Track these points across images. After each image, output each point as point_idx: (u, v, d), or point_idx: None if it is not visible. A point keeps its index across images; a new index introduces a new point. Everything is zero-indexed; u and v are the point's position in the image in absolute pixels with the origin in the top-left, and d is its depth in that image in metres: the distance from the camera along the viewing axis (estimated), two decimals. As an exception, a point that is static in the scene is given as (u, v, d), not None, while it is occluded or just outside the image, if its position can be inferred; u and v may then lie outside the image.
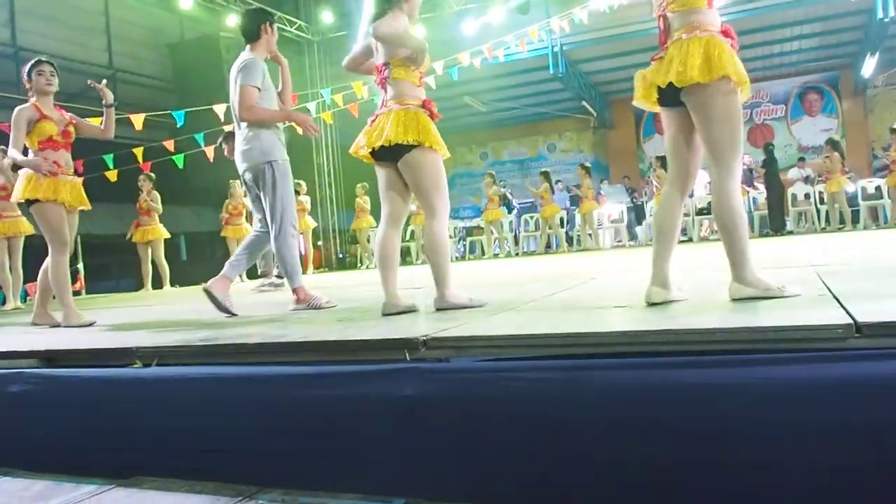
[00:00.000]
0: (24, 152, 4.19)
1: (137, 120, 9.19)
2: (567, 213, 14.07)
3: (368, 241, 13.03)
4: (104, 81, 4.43)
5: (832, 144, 11.85)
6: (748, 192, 12.17)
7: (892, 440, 1.51)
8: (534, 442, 1.83)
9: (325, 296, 4.03)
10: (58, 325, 4.22)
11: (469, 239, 15.06)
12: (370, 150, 3.18)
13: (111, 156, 9.33)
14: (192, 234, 14.14)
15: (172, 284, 9.75)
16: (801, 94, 17.34)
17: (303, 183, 10.71)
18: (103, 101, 4.40)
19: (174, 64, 13.93)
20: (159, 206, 9.41)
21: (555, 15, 12.14)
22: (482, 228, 13.74)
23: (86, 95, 7.45)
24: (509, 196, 15.37)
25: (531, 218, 13.76)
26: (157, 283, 9.53)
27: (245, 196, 9.37)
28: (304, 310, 3.89)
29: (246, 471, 2.14)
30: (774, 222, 11.83)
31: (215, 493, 2.04)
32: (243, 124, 4.06)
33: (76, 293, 7.20)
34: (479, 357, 2.13)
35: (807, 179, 13.37)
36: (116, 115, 4.54)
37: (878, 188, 11.78)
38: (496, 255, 13.30)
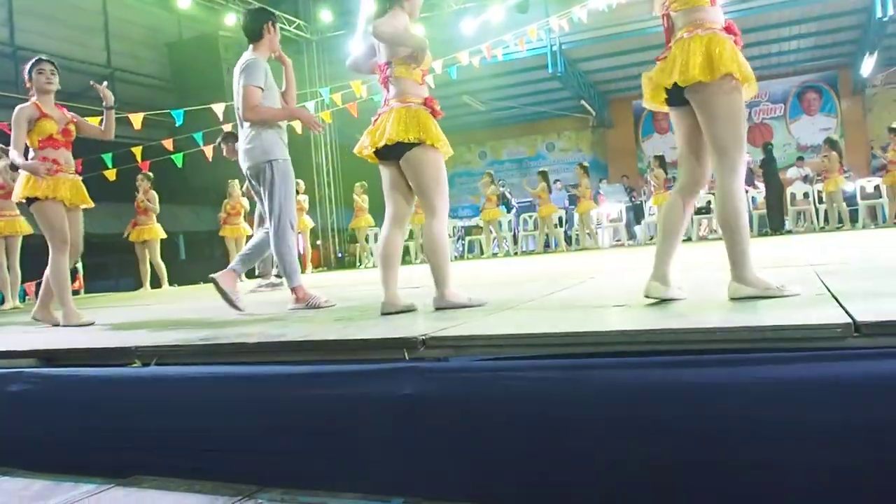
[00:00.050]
0: (25, 151, 4.20)
1: (136, 119, 9.18)
2: (566, 213, 14.07)
3: (367, 240, 13.04)
4: (105, 83, 4.43)
5: (830, 144, 11.86)
6: (748, 192, 12.17)
7: (892, 439, 1.51)
8: (533, 441, 1.83)
9: (323, 295, 4.03)
10: (58, 324, 4.23)
11: (468, 238, 15.07)
12: (374, 149, 3.18)
13: (110, 155, 9.31)
14: (190, 234, 14.12)
15: (171, 284, 9.75)
16: (799, 94, 17.34)
17: (301, 182, 10.69)
18: (104, 103, 4.41)
19: (173, 63, 13.93)
20: (156, 207, 9.39)
21: (554, 14, 12.14)
22: (481, 228, 13.74)
23: (85, 95, 7.45)
24: (508, 195, 15.38)
25: (530, 217, 13.76)
26: (156, 283, 9.53)
27: (243, 195, 9.38)
28: (302, 309, 3.88)
29: (245, 470, 2.14)
30: (773, 221, 11.84)
31: (215, 493, 2.04)
32: (246, 124, 4.07)
33: (75, 292, 7.19)
34: (478, 356, 2.13)
35: (805, 179, 13.39)
36: (115, 114, 4.54)
37: (876, 187, 11.79)
38: (495, 255, 13.30)
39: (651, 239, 12.91)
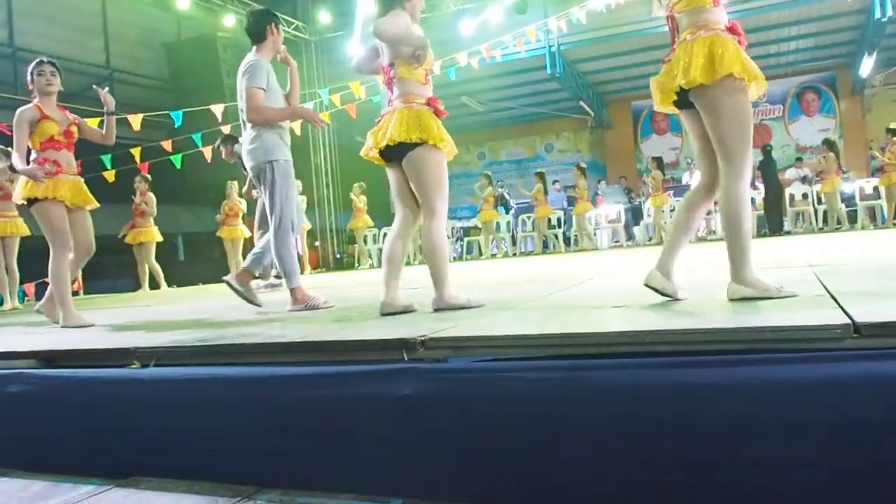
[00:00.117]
0: (28, 153, 4.21)
1: (135, 120, 9.18)
2: (564, 214, 14.08)
3: (365, 241, 13.04)
4: (107, 88, 4.44)
5: (828, 145, 11.87)
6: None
7: (891, 440, 1.51)
8: (532, 442, 1.83)
9: (322, 296, 4.03)
10: (58, 323, 4.23)
11: (467, 239, 15.07)
12: (378, 151, 3.18)
13: (109, 156, 9.30)
14: (189, 235, 14.12)
15: (170, 285, 9.73)
16: (798, 94, 17.36)
17: (298, 182, 10.69)
18: (105, 108, 4.41)
19: (171, 64, 13.94)
20: (153, 209, 9.29)
21: (552, 15, 12.16)
22: (479, 229, 13.75)
23: (84, 95, 7.46)
24: (507, 196, 15.38)
25: (528, 218, 13.76)
26: (154, 284, 9.51)
27: (240, 197, 9.36)
28: (301, 310, 3.89)
29: (244, 471, 2.14)
30: (772, 222, 11.85)
31: (213, 494, 2.04)
32: (248, 125, 4.09)
33: (74, 293, 7.20)
34: (477, 357, 2.13)
35: (804, 179, 13.40)
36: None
37: (875, 188, 11.80)
38: (493, 256, 13.30)
39: (650, 240, 12.92)
